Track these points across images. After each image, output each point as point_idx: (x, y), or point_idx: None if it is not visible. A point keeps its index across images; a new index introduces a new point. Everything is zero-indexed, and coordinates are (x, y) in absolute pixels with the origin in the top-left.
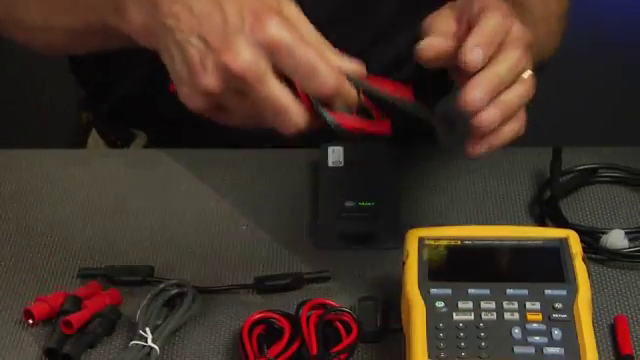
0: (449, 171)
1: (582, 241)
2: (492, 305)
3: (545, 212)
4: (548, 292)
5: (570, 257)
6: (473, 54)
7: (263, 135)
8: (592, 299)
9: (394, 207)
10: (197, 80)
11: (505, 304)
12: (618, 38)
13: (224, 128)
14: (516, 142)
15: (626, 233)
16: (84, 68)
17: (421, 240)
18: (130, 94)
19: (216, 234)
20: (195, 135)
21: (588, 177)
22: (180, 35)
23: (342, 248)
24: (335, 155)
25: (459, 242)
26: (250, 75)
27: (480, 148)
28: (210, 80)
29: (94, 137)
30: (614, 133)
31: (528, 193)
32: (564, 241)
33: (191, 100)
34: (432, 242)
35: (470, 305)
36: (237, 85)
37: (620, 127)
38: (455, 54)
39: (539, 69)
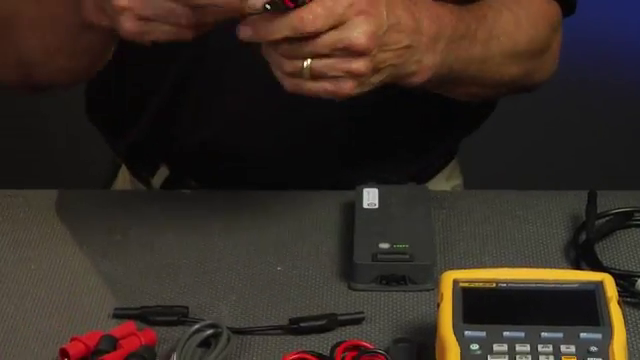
0: (483, 213)
1: (617, 285)
2: (527, 348)
3: (580, 255)
4: (583, 335)
5: (605, 301)
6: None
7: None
8: (627, 342)
9: (429, 249)
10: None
11: (540, 347)
12: None
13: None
14: (552, 186)
15: None
16: (98, 113)
17: (456, 282)
18: (145, 135)
19: (250, 275)
20: (216, 168)
21: (623, 220)
22: None
23: (377, 290)
24: (370, 197)
25: (494, 284)
26: None
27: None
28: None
29: (123, 171)
30: None
31: (563, 236)
32: (599, 285)
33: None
34: (467, 284)
35: (505, 348)
36: None
37: None
38: None
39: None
